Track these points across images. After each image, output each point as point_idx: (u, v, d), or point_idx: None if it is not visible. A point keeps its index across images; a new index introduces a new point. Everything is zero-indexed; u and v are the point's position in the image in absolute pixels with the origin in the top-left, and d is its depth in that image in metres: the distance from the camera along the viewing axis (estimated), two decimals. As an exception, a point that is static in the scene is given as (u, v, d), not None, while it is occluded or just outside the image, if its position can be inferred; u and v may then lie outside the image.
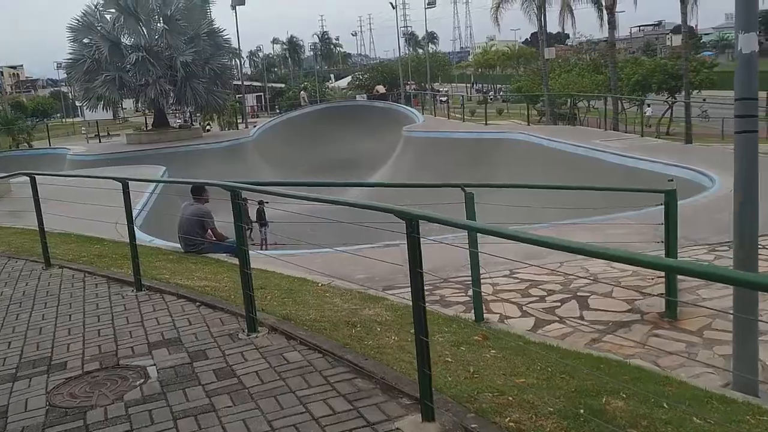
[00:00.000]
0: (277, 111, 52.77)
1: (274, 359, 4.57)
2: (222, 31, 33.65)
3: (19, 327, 5.94)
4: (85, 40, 31.96)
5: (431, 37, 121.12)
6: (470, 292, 7.61)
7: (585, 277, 8.03)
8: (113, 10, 32.09)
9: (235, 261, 9.11)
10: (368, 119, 35.26)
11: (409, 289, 3.42)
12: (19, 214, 15.47)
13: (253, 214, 19.56)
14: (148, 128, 35.75)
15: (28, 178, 8.42)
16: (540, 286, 7.83)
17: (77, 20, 31.83)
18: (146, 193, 18.19)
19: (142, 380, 4.44)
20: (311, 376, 4.25)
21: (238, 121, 40.78)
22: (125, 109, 59.25)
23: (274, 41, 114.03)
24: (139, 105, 36.39)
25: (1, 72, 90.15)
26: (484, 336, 5.07)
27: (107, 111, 36.62)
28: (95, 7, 32.35)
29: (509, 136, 23.87)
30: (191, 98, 31.97)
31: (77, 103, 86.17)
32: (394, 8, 51.58)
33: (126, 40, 32.51)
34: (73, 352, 5.14)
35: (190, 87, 31.56)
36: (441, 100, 51.49)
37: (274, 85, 76.21)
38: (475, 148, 23.92)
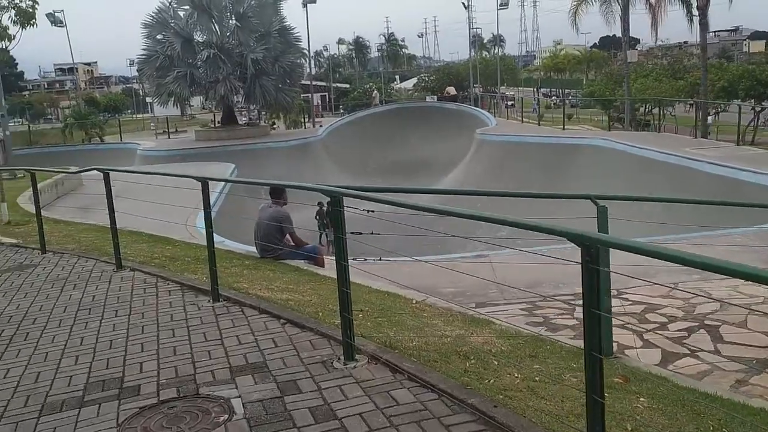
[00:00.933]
0: (341, 111, 52.50)
1: (380, 398, 3.85)
2: (293, 29, 33.43)
3: (88, 338, 5.39)
4: (159, 37, 32.17)
5: (498, 40, 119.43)
6: (577, 314, 6.78)
7: (709, 302, 7.07)
8: (187, 7, 32.21)
9: (316, 269, 8.55)
10: (439, 121, 34.44)
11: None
12: (89, 210, 15.32)
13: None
14: (216, 125, 35.80)
15: (100, 173, 7.96)
16: (657, 311, 6.92)
17: (151, 17, 32.08)
18: (215, 192, 17.91)
19: (227, 416, 3.78)
20: (429, 424, 3.50)
21: (304, 120, 40.52)
22: (192, 105, 59.96)
23: (340, 42, 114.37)
24: (208, 102, 36.46)
25: (77, 69, 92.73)
26: (625, 378, 4.24)
27: (176, 107, 36.83)
28: (169, 4, 32.56)
29: (590, 142, 22.69)
30: (260, 96, 31.80)
31: (147, 100, 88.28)
32: (466, 8, 50.57)
33: (198, 37, 32.60)
34: (147, 372, 4.53)
35: (260, 84, 31.39)
36: (508, 104, 50.28)
37: (338, 85, 76.15)
38: (553, 154, 22.84)
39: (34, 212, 13.30)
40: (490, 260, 9.06)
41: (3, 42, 14.33)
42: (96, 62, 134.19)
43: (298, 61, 34.73)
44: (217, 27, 32.16)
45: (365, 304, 5.86)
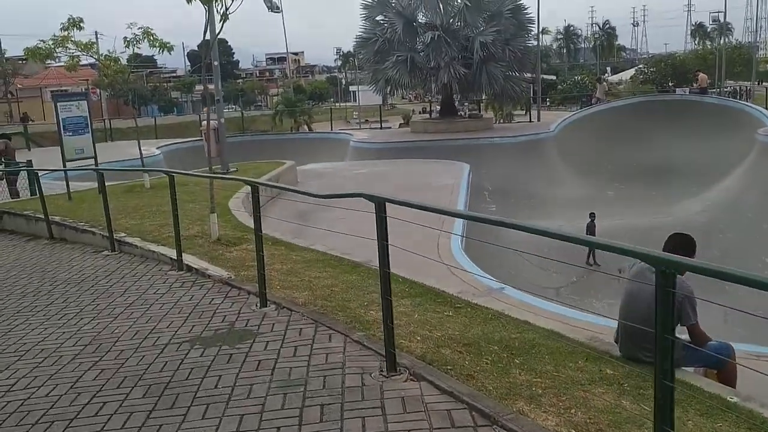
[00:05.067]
0: (547, 103, 47.44)
1: None
2: (526, 9, 29.12)
3: None
4: (378, 18, 29.41)
5: (724, 28, 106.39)
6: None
7: None
8: (411, -15, 29.15)
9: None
10: (694, 117, 28.46)
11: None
12: (307, 217, 12.27)
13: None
14: (433, 116, 32.51)
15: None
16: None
17: (372, -4, 29.38)
18: (460, 203, 14.25)
19: None
20: None
21: (529, 112, 35.99)
22: (392, 96, 57.69)
23: (544, 31, 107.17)
24: (426, 88, 33.26)
25: (288, 57, 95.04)
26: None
27: (393, 95, 34.03)
28: (392, -18, 29.64)
29: None
30: (486, 84, 27.90)
31: (350, 88, 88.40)
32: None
33: (420, 18, 29.38)
34: None
35: (487, 71, 27.49)
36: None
37: (544, 77, 70.57)
38: None
39: (247, 223, 10.47)
40: None
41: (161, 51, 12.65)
42: (303, 52, 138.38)
43: (530, 45, 30.39)
44: (442, 6, 28.69)
45: None
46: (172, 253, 8.19)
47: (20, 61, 51.26)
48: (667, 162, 26.69)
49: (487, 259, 11.01)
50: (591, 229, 15.60)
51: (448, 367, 4.53)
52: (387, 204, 4.31)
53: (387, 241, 4.37)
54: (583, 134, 28.71)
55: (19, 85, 53.32)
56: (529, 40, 30.44)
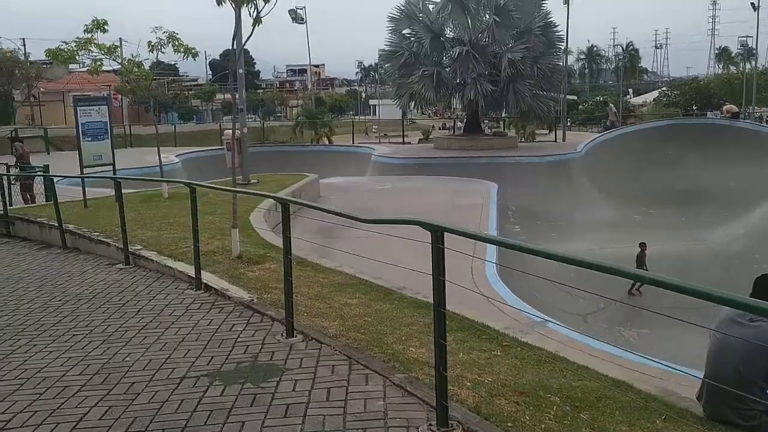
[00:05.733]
0: (568, 123, 46.68)
1: None
2: (556, 27, 28.54)
3: None
4: (405, 31, 28.93)
5: (748, 54, 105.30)
6: None
7: None
8: (439, 0, 28.66)
9: None
10: (727, 142, 27.69)
11: None
12: (332, 235, 11.69)
13: None
14: (456, 133, 31.94)
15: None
16: None
17: (399, 10, 28.92)
18: (491, 225, 13.61)
19: None
20: None
21: (555, 132, 35.28)
22: (412, 110, 57.29)
23: (565, 51, 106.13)
24: (456, 105, 32.72)
25: (309, 69, 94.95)
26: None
27: (416, 110, 33.48)
28: (420, -3, 29.21)
29: None
30: (513, 102, 27.30)
31: (370, 102, 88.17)
32: (755, 9, 42.37)
33: (448, 33, 28.89)
34: None
35: (514, 89, 26.90)
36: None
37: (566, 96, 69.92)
38: None
39: (270, 239, 9.91)
40: None
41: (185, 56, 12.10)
42: (324, 65, 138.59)
43: (559, 64, 29.80)
44: (470, 21, 28.18)
45: None
46: (190, 270, 7.63)
47: (44, 65, 51.41)
48: (697, 186, 25.92)
49: (509, 281, 10.37)
50: (641, 260, 14.80)
51: (508, 425, 3.90)
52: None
53: (444, 277, 3.77)
54: (611, 156, 28.00)
55: (42, 89, 53.36)
56: (558, 59, 29.82)
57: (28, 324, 6.48)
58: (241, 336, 5.77)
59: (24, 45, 53.47)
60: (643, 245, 14.60)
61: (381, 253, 7.09)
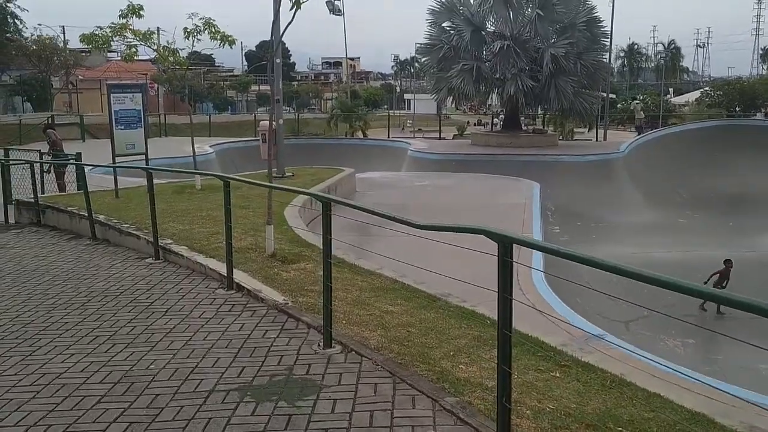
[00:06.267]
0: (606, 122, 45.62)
1: None
2: (601, 21, 27.66)
3: None
4: (445, 24, 28.32)
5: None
6: None
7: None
8: (481, -8, 28.03)
9: None
10: (773, 144, 26.63)
11: None
12: (368, 233, 11.22)
13: None
14: (495, 129, 31.25)
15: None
16: None
17: (439, 3, 28.30)
18: (535, 226, 12.99)
19: None
20: None
21: (596, 131, 34.32)
22: (447, 106, 56.62)
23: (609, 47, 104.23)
24: (494, 101, 32.03)
25: (343, 62, 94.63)
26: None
27: (452, 104, 32.85)
28: (461, -10, 28.57)
29: None
30: (554, 98, 26.52)
31: (405, 96, 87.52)
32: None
33: (489, 26, 28.20)
34: None
35: (556, 85, 26.13)
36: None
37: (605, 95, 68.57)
38: None
39: (305, 236, 9.47)
40: None
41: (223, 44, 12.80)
42: (359, 58, 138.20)
43: (603, 60, 28.92)
44: (512, 15, 27.45)
45: None
46: (222, 268, 7.23)
47: (82, 53, 51.81)
48: (745, 191, 24.95)
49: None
50: (725, 276, 13.83)
51: (580, 466, 3.39)
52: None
53: (511, 295, 3.27)
54: (655, 157, 27.11)
55: (80, 77, 53.80)
56: (602, 55, 28.95)
57: (51, 322, 6.13)
58: (274, 344, 5.33)
59: (63, 32, 53.97)
60: (728, 262, 13.57)
61: (424, 255, 6.62)
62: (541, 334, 5.86)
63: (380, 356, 4.94)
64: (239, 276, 7.08)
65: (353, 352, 5.06)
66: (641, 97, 64.91)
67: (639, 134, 33.35)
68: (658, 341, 13.46)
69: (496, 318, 5.91)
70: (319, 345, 5.22)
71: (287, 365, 4.89)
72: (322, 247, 5.19)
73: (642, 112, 42.91)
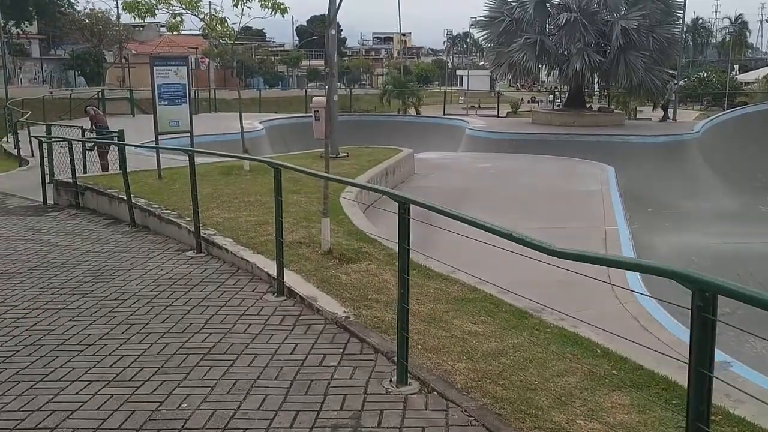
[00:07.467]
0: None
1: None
2: (677, -9, 25.73)
3: None
4: (507, -5, 26.74)
5: None
6: None
7: None
8: (545, -39, 26.32)
9: None
10: None
11: None
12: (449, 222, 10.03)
13: None
14: (557, 107, 29.65)
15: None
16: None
17: (502, -28, 26.74)
18: (619, 220, 11.63)
19: None
20: None
21: (666, 110, 32.20)
22: (500, 82, 54.67)
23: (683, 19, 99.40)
24: (556, 77, 30.40)
25: (395, 37, 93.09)
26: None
27: (515, 82, 31.25)
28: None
29: None
30: (623, 75, 24.79)
31: (457, 72, 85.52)
32: None
33: (554, -1, 26.58)
34: None
35: (625, 60, 24.39)
36: None
37: (669, 71, 65.41)
38: None
39: (365, 228, 8.40)
40: None
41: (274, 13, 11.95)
42: (410, 33, 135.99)
43: (677, 34, 26.96)
44: (579, -15, 25.72)
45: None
46: (271, 267, 6.23)
47: (135, 28, 51.62)
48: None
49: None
50: None
51: None
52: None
53: (711, 371, 2.12)
54: (733, 138, 25.22)
55: (133, 51, 53.72)
56: (677, 28, 26.98)
57: (72, 333, 5.21)
58: (335, 376, 4.29)
59: (117, 6, 53.77)
60: None
61: (499, 253, 5.46)
62: (655, 363, 4.66)
63: (471, 402, 3.85)
64: (290, 279, 6.06)
65: (435, 393, 3.99)
66: (704, 74, 61.53)
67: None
68: (741, 343, 12.12)
69: (604, 343, 4.76)
70: (391, 381, 4.16)
71: (353, 410, 3.85)
72: (398, 261, 4.11)
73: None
